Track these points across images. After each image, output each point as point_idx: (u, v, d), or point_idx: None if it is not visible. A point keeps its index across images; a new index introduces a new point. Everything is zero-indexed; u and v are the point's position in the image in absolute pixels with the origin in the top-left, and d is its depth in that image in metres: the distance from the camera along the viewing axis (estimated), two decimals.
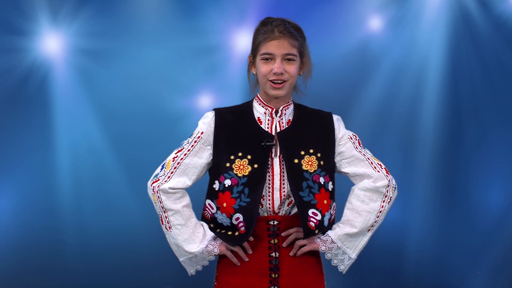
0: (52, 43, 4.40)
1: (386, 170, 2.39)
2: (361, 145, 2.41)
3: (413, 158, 4.58)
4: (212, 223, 2.32)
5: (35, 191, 4.38)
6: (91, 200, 4.42)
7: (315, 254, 2.37)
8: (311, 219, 2.25)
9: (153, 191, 2.30)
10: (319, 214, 2.27)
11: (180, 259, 2.36)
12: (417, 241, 4.58)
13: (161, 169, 2.33)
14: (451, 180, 4.60)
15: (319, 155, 2.31)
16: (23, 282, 4.33)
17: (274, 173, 2.28)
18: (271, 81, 2.26)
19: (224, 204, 2.26)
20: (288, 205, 2.30)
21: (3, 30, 4.31)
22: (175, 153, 2.33)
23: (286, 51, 2.25)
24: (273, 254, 2.29)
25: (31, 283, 4.34)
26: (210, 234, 2.30)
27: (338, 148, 2.37)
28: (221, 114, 2.33)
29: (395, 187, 2.40)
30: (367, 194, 2.35)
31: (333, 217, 2.36)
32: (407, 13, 4.56)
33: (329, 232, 2.33)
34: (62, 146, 4.41)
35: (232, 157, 2.26)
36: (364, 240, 2.38)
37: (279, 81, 2.26)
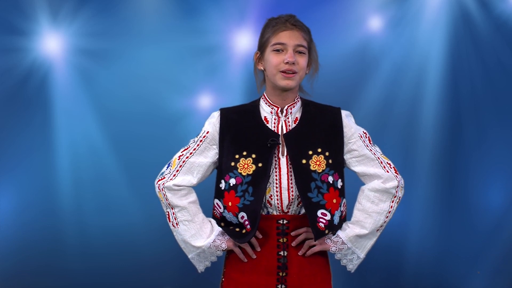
0: (52, 43, 4.40)
1: (395, 170, 2.37)
2: (371, 142, 2.38)
3: (413, 158, 4.59)
4: (222, 221, 2.32)
5: (35, 191, 4.38)
6: (91, 200, 4.42)
7: (324, 254, 2.36)
8: (320, 220, 2.24)
9: (159, 188, 2.32)
10: (328, 214, 2.26)
11: (189, 256, 2.36)
12: (417, 241, 4.58)
13: (167, 167, 2.35)
14: (451, 180, 4.60)
15: (327, 154, 2.29)
16: (23, 282, 4.33)
17: (282, 172, 2.27)
18: (282, 72, 2.24)
19: (230, 203, 2.26)
20: (298, 205, 2.29)
21: (3, 30, 4.31)
22: (181, 152, 2.34)
23: (298, 42, 2.25)
24: (281, 253, 2.28)
25: (31, 283, 4.34)
26: (218, 229, 2.31)
27: (348, 146, 2.34)
28: (226, 114, 2.32)
29: (403, 186, 2.39)
30: (377, 195, 2.34)
31: (344, 213, 2.35)
32: (407, 13, 4.57)
33: (340, 233, 2.32)
34: (62, 146, 4.41)
35: (237, 156, 2.26)
36: (373, 240, 2.37)
37: (290, 72, 2.24)
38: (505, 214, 4.58)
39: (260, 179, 2.24)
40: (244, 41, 4.43)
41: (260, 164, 2.25)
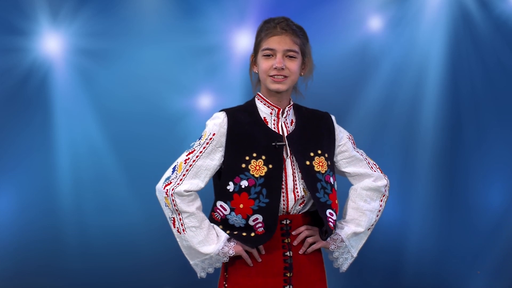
0: (52, 43, 4.40)
1: (380, 170, 2.45)
2: (355, 145, 2.45)
3: (413, 158, 4.59)
4: (222, 224, 2.29)
5: (35, 191, 4.38)
6: (91, 200, 4.42)
7: (320, 252, 2.38)
8: (329, 219, 2.27)
9: (167, 194, 2.25)
10: (334, 214, 2.30)
11: (192, 262, 2.32)
12: (417, 241, 4.58)
13: (172, 171, 2.29)
14: (451, 180, 4.61)
15: (326, 155, 2.32)
16: (23, 282, 4.33)
17: (287, 174, 2.28)
18: (271, 76, 2.26)
19: (241, 205, 2.24)
20: (300, 205, 2.30)
21: (3, 30, 4.31)
22: (186, 155, 2.29)
23: (288, 47, 2.25)
24: (288, 253, 2.29)
25: (31, 283, 4.34)
26: (225, 235, 2.27)
27: (339, 148, 2.39)
28: (232, 115, 2.30)
29: (389, 187, 2.46)
30: (369, 193, 2.39)
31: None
32: (407, 13, 4.57)
33: (338, 231, 2.36)
34: (62, 146, 4.41)
35: (247, 158, 2.25)
36: (364, 239, 2.41)
37: (280, 76, 2.25)
38: (505, 214, 4.58)
39: (274, 181, 2.24)
40: (244, 41, 4.43)
41: (270, 166, 2.25)
